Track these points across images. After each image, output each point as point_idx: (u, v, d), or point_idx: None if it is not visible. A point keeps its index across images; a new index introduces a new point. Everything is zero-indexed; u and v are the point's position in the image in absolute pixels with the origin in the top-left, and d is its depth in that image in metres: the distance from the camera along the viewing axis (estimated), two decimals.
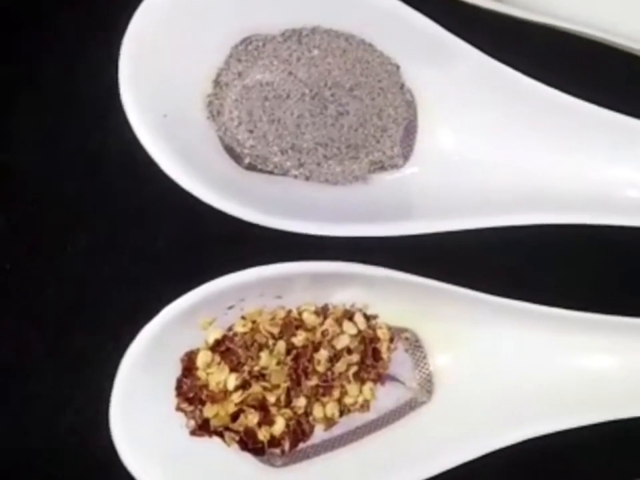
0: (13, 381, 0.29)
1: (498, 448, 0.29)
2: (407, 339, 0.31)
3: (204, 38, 0.28)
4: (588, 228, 0.29)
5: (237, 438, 0.28)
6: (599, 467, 0.30)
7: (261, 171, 0.29)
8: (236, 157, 0.29)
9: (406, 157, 0.30)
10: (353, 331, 0.29)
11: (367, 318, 0.30)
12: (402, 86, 0.30)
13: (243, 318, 0.29)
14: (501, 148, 0.30)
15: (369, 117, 0.29)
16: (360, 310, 0.30)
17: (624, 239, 0.29)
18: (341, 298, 0.29)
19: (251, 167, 0.29)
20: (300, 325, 0.29)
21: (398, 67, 0.30)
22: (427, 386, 0.30)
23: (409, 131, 0.30)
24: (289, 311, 0.29)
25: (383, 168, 0.30)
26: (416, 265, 0.29)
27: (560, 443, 0.29)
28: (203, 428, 0.28)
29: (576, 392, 0.29)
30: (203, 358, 0.28)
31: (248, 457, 0.29)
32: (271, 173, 0.29)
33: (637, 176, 0.30)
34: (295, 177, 0.29)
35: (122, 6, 0.26)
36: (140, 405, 0.27)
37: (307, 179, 0.29)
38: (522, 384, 0.30)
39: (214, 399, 0.28)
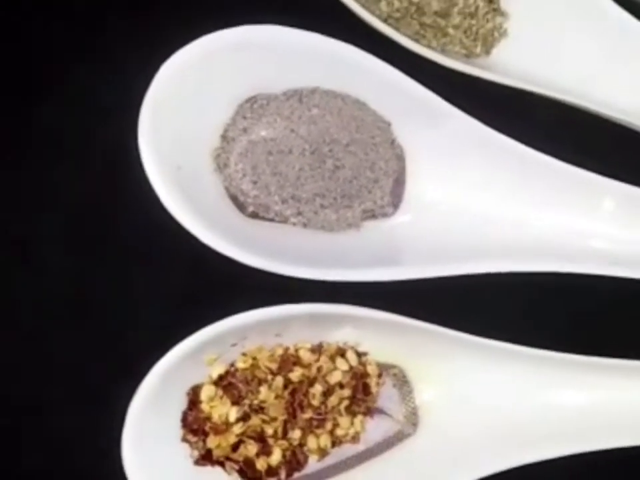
0: (29, 419, 0.31)
1: (478, 478, 0.31)
2: (394, 374, 0.33)
3: (213, 97, 0.30)
4: (559, 275, 0.31)
5: (237, 467, 0.30)
6: None
7: (263, 218, 0.31)
8: (240, 206, 0.31)
9: (395, 206, 0.33)
10: (345, 367, 0.31)
11: (358, 355, 0.32)
12: (393, 141, 0.32)
13: (244, 354, 0.31)
14: (481, 200, 0.33)
15: (363, 170, 0.32)
16: (352, 348, 0.32)
17: (592, 285, 0.32)
18: (334, 336, 0.32)
19: (254, 215, 0.31)
20: (296, 361, 0.31)
21: (389, 124, 0.32)
22: (413, 419, 0.32)
23: (399, 183, 0.33)
24: (287, 348, 0.31)
25: (374, 216, 0.32)
26: (404, 307, 0.31)
27: (539, 473, 0.31)
28: (206, 458, 0.30)
29: (552, 425, 0.31)
30: (206, 392, 0.30)
31: None
32: (272, 220, 0.31)
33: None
34: (294, 224, 0.31)
35: (142, 70, 0.28)
36: (150, 437, 0.28)
37: (305, 225, 0.32)
38: (501, 418, 0.32)
39: (216, 431, 0.30)
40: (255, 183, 0.31)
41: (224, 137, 0.30)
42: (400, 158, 0.33)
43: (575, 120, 0.33)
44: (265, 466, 0.30)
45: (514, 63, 0.34)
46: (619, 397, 0.32)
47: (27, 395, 0.31)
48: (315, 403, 0.31)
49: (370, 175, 0.32)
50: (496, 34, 0.34)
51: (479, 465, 0.31)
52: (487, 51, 0.34)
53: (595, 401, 0.32)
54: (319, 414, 0.31)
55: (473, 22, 0.33)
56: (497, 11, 0.34)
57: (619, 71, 0.33)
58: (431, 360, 0.32)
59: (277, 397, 0.30)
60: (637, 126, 0.33)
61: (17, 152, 0.32)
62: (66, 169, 0.31)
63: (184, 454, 0.30)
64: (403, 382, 0.33)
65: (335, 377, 0.31)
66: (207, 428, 0.30)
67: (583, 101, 0.32)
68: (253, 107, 0.31)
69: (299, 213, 0.31)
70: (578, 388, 0.32)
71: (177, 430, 0.30)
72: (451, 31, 0.33)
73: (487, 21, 0.34)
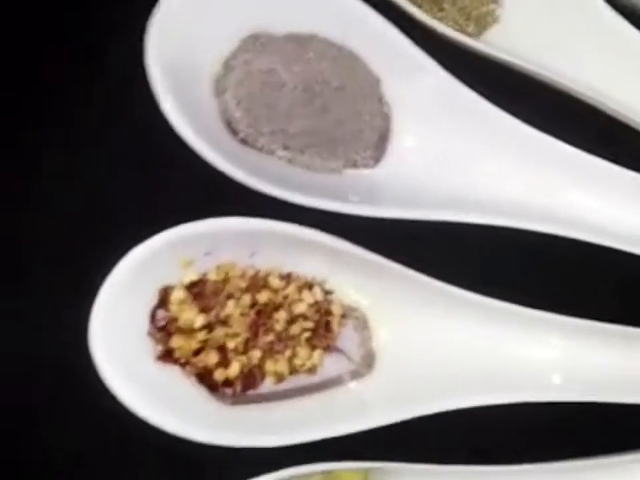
0: None
1: (422, 415, 0.32)
2: (357, 318, 0.34)
3: (218, 30, 0.33)
4: (530, 234, 0.33)
5: (196, 372, 0.32)
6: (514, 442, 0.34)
7: (252, 147, 0.33)
8: (232, 132, 0.33)
9: (377, 160, 0.35)
10: (311, 300, 0.33)
11: (325, 292, 0.34)
12: (380, 98, 0.35)
13: (218, 268, 0.32)
14: (458, 159, 0.35)
15: (350, 117, 0.34)
16: (319, 284, 0.34)
17: (555, 244, 0.34)
18: (305, 267, 0.33)
19: (244, 142, 0.33)
20: (265, 284, 0.33)
21: (378, 81, 0.35)
22: (369, 361, 0.34)
23: (383, 139, 0.35)
24: (258, 271, 0.33)
25: (355, 166, 0.35)
26: (378, 248, 0.33)
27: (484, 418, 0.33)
28: (168, 356, 0.32)
29: (499, 374, 0.33)
30: (176, 295, 0.31)
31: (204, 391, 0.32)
32: (260, 150, 0.33)
33: None
34: (280, 158, 0.34)
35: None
36: (119, 322, 0.30)
37: (290, 162, 0.34)
38: (452, 364, 0.34)
39: (181, 333, 0.32)
40: (248, 111, 0.33)
41: (225, 65, 0.33)
42: (386, 116, 0.35)
43: (563, 102, 0.35)
44: (223, 377, 0.32)
45: (504, 47, 0.36)
46: (577, 355, 0.33)
47: None
48: (278, 328, 0.32)
49: (356, 124, 0.34)
50: (489, 18, 0.37)
51: (425, 403, 0.32)
52: (479, 32, 0.36)
53: (553, 357, 0.33)
54: (280, 340, 0.32)
55: (467, 2, 0.36)
56: None
57: (606, 61, 0.36)
58: (395, 303, 0.34)
59: (242, 314, 0.32)
60: (614, 110, 0.35)
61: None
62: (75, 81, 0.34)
63: (148, 349, 0.31)
64: (363, 327, 0.34)
65: (300, 308, 0.33)
66: (172, 329, 0.31)
67: (573, 84, 0.35)
68: (255, 43, 0.33)
69: (286, 148, 0.33)
70: (538, 343, 0.33)
71: (145, 324, 0.31)
72: (446, 5, 0.36)
73: (482, 4, 0.36)
